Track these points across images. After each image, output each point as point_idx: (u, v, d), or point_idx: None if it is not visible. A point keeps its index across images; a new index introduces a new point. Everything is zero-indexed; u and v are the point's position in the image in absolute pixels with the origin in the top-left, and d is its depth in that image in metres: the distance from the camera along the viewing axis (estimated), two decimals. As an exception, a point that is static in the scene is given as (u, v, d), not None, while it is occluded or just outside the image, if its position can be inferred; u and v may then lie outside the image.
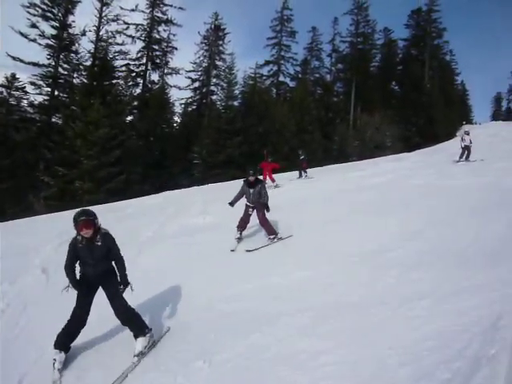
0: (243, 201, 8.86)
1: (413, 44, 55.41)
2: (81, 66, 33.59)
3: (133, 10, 37.92)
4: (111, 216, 13.77)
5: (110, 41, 35.64)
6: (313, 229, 8.89)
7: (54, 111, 31.63)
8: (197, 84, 44.24)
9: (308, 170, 20.53)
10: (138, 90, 40.08)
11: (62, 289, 4.63)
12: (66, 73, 33.63)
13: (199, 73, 44.27)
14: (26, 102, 31.75)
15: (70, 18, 33.46)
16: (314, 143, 37.62)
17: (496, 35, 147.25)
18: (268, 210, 8.68)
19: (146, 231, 10.75)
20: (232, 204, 8.84)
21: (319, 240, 7.91)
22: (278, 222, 9.38)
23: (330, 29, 56.00)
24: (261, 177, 16.84)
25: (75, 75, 33.85)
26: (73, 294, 4.57)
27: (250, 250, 8.04)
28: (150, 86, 40.93)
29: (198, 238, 9.42)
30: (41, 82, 32.03)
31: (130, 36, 38.69)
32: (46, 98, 32.23)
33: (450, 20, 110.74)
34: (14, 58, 30.57)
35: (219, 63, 44.02)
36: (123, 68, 38.31)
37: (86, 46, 34.48)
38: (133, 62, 39.91)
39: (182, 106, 43.72)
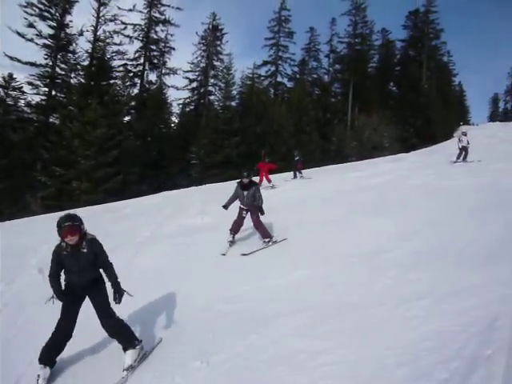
0: (237, 203, 8.75)
1: (410, 45, 55.47)
2: (78, 66, 33.53)
3: (130, 10, 37.95)
4: (109, 216, 13.80)
5: (107, 41, 35.65)
6: (311, 229, 8.89)
7: (52, 111, 31.59)
8: (194, 84, 44.23)
9: (306, 171, 20.56)
10: (136, 90, 40.10)
11: (45, 300, 4.38)
12: (63, 73, 33.58)
13: (197, 73, 44.25)
14: (23, 101, 31.78)
15: (68, 18, 33.45)
16: (311, 144, 37.66)
17: (493, 36, 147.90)
18: (262, 212, 8.57)
19: (143, 231, 10.74)
20: (226, 207, 8.73)
21: (317, 240, 7.91)
22: (276, 223, 9.37)
23: (328, 29, 55.98)
24: (257, 177, 16.88)
25: (73, 75, 33.83)
26: None
27: (245, 254, 7.92)
28: (147, 86, 40.92)
29: (196, 239, 9.41)
30: (38, 82, 31.99)
31: (127, 36, 38.75)
32: (43, 97, 32.18)
33: (447, 21, 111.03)
34: (11, 58, 30.54)
35: (217, 63, 44.08)
36: (121, 68, 38.30)
37: (83, 45, 34.44)
38: (130, 62, 39.94)
39: (180, 106, 43.69)
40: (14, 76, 31.10)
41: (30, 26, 31.32)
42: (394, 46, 57.21)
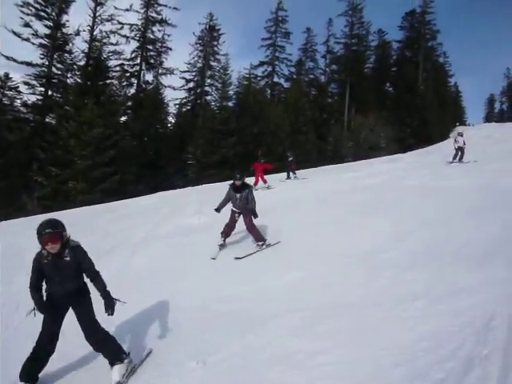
0: (230, 206, 8.59)
1: (407, 46, 55.55)
2: (74, 66, 33.44)
3: (127, 10, 37.83)
4: (106, 216, 13.78)
5: (104, 41, 35.46)
6: (307, 230, 8.88)
7: (48, 111, 31.44)
8: (191, 84, 44.15)
9: (302, 171, 20.57)
10: (132, 90, 39.99)
11: (26, 313, 4.16)
12: (59, 72, 33.45)
13: (194, 73, 44.17)
14: (19, 101, 31.63)
15: (64, 18, 33.36)
16: (308, 144, 37.70)
17: (489, 37, 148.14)
18: (256, 216, 8.36)
19: (140, 231, 10.74)
20: (218, 210, 8.54)
21: (313, 241, 7.92)
22: (271, 224, 9.37)
23: (325, 30, 55.94)
24: (252, 178, 16.89)
25: (69, 75, 33.72)
26: None
27: (238, 258, 7.76)
28: (144, 86, 40.81)
29: (193, 239, 9.42)
30: (34, 82, 31.86)
31: (124, 36, 38.60)
32: (39, 97, 32.05)
33: (443, 22, 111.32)
34: (7, 58, 30.39)
35: (214, 64, 43.98)
36: (117, 68, 38.22)
37: (79, 45, 34.41)
38: (127, 62, 39.81)
39: (177, 106, 43.63)
40: (10, 76, 31.05)
41: (26, 25, 31.21)
42: (391, 46, 57.24)
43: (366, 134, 40.24)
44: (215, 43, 44.54)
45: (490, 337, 3.33)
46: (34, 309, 4.04)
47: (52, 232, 3.81)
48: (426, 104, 45.65)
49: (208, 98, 43.04)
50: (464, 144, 18.94)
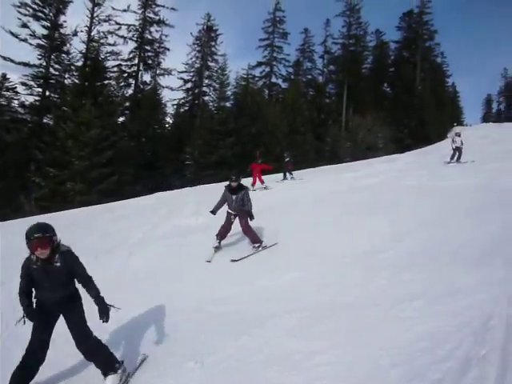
0: (225, 207, 8.48)
1: (404, 46, 55.64)
2: (72, 67, 33.35)
3: (125, 11, 37.74)
4: (104, 217, 13.76)
5: (101, 41, 35.48)
6: (305, 230, 8.88)
7: (45, 112, 31.38)
8: (189, 85, 44.12)
9: (300, 172, 20.55)
10: (130, 91, 39.93)
11: (15, 322, 4.00)
12: (57, 73, 33.39)
13: (191, 74, 44.14)
14: (16, 102, 31.63)
15: (62, 18, 33.30)
16: (306, 144, 37.72)
17: (487, 37, 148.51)
18: (252, 217, 8.25)
19: (138, 232, 10.72)
20: (213, 212, 8.41)
21: (311, 241, 7.92)
22: (269, 224, 9.37)
23: (322, 30, 55.97)
24: (250, 179, 16.89)
25: (66, 76, 33.65)
26: None
27: (235, 260, 7.65)
28: (141, 86, 40.77)
29: (190, 239, 9.41)
30: (32, 83, 31.79)
31: (121, 36, 38.54)
32: (37, 98, 32.00)
33: (441, 23, 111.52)
34: (4, 58, 30.31)
35: (211, 64, 43.94)
36: (115, 69, 38.13)
37: (77, 46, 34.28)
38: (125, 63, 39.76)
39: (174, 106, 43.53)
40: (8, 76, 31.12)
41: (24, 26, 31.13)
42: (388, 47, 57.35)
43: (364, 134, 40.29)
44: (213, 44, 44.53)
45: (488, 337, 3.34)
46: (24, 316, 3.91)
47: (41, 237, 3.62)
48: (424, 104, 45.72)
49: (206, 98, 43.06)
50: (462, 144, 18.98)
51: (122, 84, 38.31)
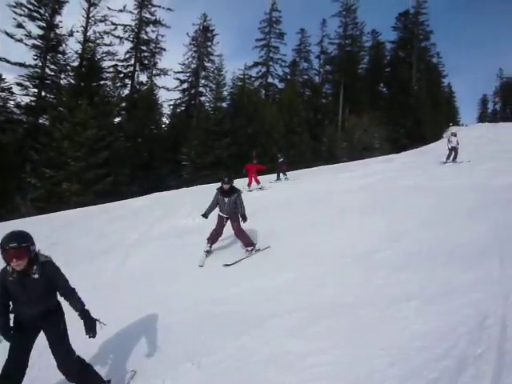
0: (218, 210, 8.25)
1: (400, 46, 55.79)
2: (68, 67, 33.25)
3: (121, 11, 37.69)
4: (101, 218, 13.74)
5: (97, 41, 35.30)
6: (302, 230, 8.86)
7: (41, 112, 31.29)
8: (185, 85, 44.12)
9: (296, 172, 20.53)
10: (126, 91, 39.88)
11: None
12: (52, 73, 33.30)
13: (188, 74, 44.15)
14: (12, 102, 31.47)
15: (57, 19, 33.24)
16: (302, 144, 37.78)
17: (483, 37, 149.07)
18: (245, 219, 8.02)
19: (134, 233, 10.72)
20: (205, 215, 8.16)
21: (308, 241, 7.90)
22: (266, 225, 9.35)
23: (319, 31, 56.11)
24: (244, 179, 16.89)
25: (62, 76, 33.55)
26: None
27: (228, 265, 7.44)
28: (138, 87, 40.70)
29: (187, 240, 9.40)
30: (27, 83, 31.72)
31: (117, 37, 38.52)
32: (32, 98, 31.93)
33: (437, 22, 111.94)
34: (-1, 59, 30.24)
35: (208, 64, 43.98)
36: (111, 69, 38.15)
37: (73, 46, 34.27)
38: (121, 63, 39.74)
39: (171, 107, 43.55)
40: (3, 77, 30.91)
41: (19, 26, 31.08)
42: (384, 47, 57.55)
43: (360, 134, 40.36)
44: (209, 44, 44.54)
45: (484, 336, 3.35)
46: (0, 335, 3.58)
47: (17, 247, 3.30)
48: (420, 104, 45.88)
49: (202, 98, 43.11)
50: (457, 144, 19.03)
51: (118, 84, 38.28)
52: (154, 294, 6.23)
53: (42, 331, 3.70)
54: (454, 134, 19.50)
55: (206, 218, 8.20)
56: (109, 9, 36.31)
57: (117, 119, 35.63)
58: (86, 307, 3.65)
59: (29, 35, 31.54)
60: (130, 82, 40.15)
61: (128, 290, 6.66)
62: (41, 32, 32.20)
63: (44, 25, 32.24)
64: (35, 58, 32.19)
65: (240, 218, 8.05)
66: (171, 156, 34.33)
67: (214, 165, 32.20)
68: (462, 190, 10.87)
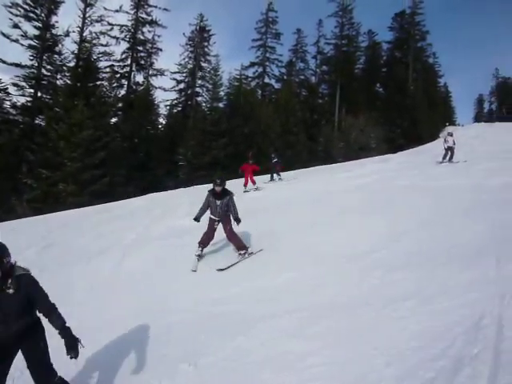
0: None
1: (396, 46, 55.91)
2: (64, 67, 33.22)
3: (117, 11, 37.74)
4: (97, 218, 13.72)
5: (93, 42, 35.39)
6: (299, 230, 8.84)
7: (37, 113, 31.22)
8: (182, 85, 44.11)
9: (293, 172, 20.50)
10: (123, 92, 39.89)
11: None
12: (49, 74, 33.27)
13: (184, 74, 44.11)
14: (8, 103, 31.30)
15: (53, 19, 33.20)
16: (299, 145, 37.85)
17: (479, 37, 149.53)
18: (239, 222, 7.78)
19: (132, 233, 10.71)
20: (197, 219, 7.90)
21: (306, 242, 7.89)
22: (265, 224, 9.36)
23: (315, 31, 56.23)
24: (240, 179, 16.88)
25: (58, 76, 33.50)
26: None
27: (221, 269, 7.23)
28: (134, 87, 40.71)
29: (186, 240, 9.35)
30: (23, 83, 31.63)
31: (114, 37, 38.56)
32: (28, 99, 31.85)
33: (433, 22, 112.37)
34: (-5, 59, 30.12)
35: (204, 65, 43.98)
36: (107, 69, 38.08)
37: (69, 46, 34.20)
38: (117, 63, 39.76)
39: (167, 107, 43.50)
40: (-1, 77, 30.78)
41: (15, 26, 31.05)
42: (381, 47, 57.71)
43: (357, 134, 40.45)
44: (206, 44, 44.55)
45: (480, 336, 3.35)
46: None
47: None
48: (416, 104, 46.01)
49: (199, 99, 43.09)
50: (454, 144, 19.04)
51: (115, 85, 38.20)
52: (152, 295, 6.23)
53: (19, 351, 3.38)
54: (451, 134, 19.51)
55: (198, 221, 7.96)
56: (105, 9, 36.45)
57: (113, 120, 35.68)
58: (67, 324, 3.37)
59: (25, 35, 31.52)
60: (126, 83, 40.20)
61: (125, 290, 6.65)
62: (37, 32, 32.19)
63: (40, 25, 32.19)
64: (31, 58, 32.19)
65: (232, 221, 7.86)
66: (168, 156, 34.34)
67: (210, 165, 32.21)
68: (459, 189, 10.88)
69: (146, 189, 25.95)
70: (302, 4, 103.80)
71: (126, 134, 33.90)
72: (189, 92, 43.69)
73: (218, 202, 7.72)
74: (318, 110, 48.99)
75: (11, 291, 3.12)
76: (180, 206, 13.87)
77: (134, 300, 5.97)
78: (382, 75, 55.32)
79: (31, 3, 31.51)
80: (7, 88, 31.05)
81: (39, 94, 32.48)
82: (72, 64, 33.13)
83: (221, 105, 39.30)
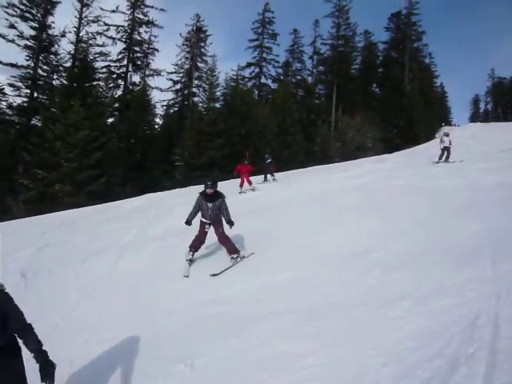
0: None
1: (393, 47, 56.09)
2: (60, 68, 33.24)
3: (113, 12, 37.73)
4: (94, 218, 13.70)
5: (90, 42, 35.36)
6: (299, 230, 8.83)
7: (34, 113, 31.17)
8: (178, 86, 44.10)
9: (290, 172, 20.49)
10: (119, 92, 39.87)
11: None
12: (45, 74, 33.23)
13: (181, 74, 44.13)
14: (4, 103, 31.23)
15: (50, 19, 33.20)
16: (295, 145, 37.85)
17: (476, 37, 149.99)
18: (232, 225, 7.54)
19: (128, 233, 10.68)
20: (188, 222, 7.61)
21: (303, 242, 7.88)
22: (262, 225, 9.35)
23: (311, 31, 56.29)
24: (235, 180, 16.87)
25: (55, 77, 33.51)
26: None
27: (215, 274, 6.99)
28: (131, 87, 40.69)
29: (182, 240, 9.33)
30: (20, 84, 31.59)
31: (110, 37, 38.56)
32: (25, 99, 31.80)
33: (429, 23, 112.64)
34: (-9, 60, 30.02)
35: (201, 65, 44.07)
36: (104, 69, 38.12)
37: (65, 47, 34.16)
38: (113, 64, 39.75)
39: (164, 107, 43.53)
40: (-5, 78, 30.72)
41: (12, 26, 30.98)
42: (377, 47, 57.86)
43: (353, 134, 40.55)
44: (202, 44, 44.58)
45: (476, 335, 3.36)
46: None
47: None
48: (412, 104, 46.15)
49: (195, 99, 43.17)
50: (450, 144, 19.10)
51: (111, 85, 38.17)
52: (148, 295, 6.21)
53: None
54: (447, 134, 19.57)
55: (190, 224, 7.67)
56: (101, 9, 36.42)
57: (110, 120, 35.63)
58: (44, 348, 3.08)
59: (21, 36, 31.46)
60: (122, 83, 40.16)
61: (121, 291, 6.63)
62: (33, 32, 32.17)
63: (36, 25, 32.15)
64: (27, 58, 32.14)
65: (224, 224, 7.66)
66: (164, 157, 34.34)
67: (207, 165, 32.21)
68: (455, 189, 10.90)
69: (142, 189, 25.97)
70: (298, 4, 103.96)
71: (123, 135, 33.89)
72: (185, 92, 43.68)
73: (210, 205, 7.49)
74: (315, 110, 48.99)
75: None
76: (178, 206, 13.85)
77: (131, 300, 5.96)
78: (378, 75, 55.50)
79: (27, 3, 31.46)
80: (3, 88, 31.03)
81: (35, 95, 32.43)
82: (68, 64, 33.18)
83: (217, 105, 39.26)
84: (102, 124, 30.62)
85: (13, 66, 31.11)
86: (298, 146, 38.22)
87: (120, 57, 40.25)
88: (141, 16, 41.23)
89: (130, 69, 40.70)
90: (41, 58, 32.70)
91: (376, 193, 11.92)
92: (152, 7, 41.31)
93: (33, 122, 31.56)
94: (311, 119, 46.95)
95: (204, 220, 7.63)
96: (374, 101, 51.14)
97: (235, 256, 7.49)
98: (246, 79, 51.66)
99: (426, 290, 4.70)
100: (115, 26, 38.86)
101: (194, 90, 43.32)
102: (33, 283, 7.14)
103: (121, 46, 40.24)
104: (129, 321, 5.32)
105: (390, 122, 45.32)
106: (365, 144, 40.00)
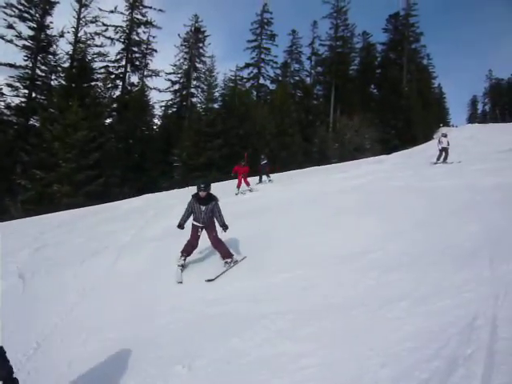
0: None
1: (391, 48, 56.22)
2: (59, 68, 33.24)
3: (112, 12, 37.79)
4: (93, 219, 13.69)
5: (88, 42, 35.42)
6: (297, 231, 8.83)
7: (32, 113, 31.17)
8: (177, 86, 44.15)
9: (288, 173, 20.49)
10: (118, 92, 39.96)
11: None
12: (43, 74, 33.25)
13: (179, 75, 44.18)
14: (2, 104, 31.25)
15: (48, 19, 33.23)
16: (294, 146, 37.86)
17: (473, 38, 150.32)
18: (226, 229, 7.37)
19: (127, 234, 10.68)
20: (181, 226, 7.42)
21: (301, 242, 7.88)
22: (261, 225, 9.34)
23: (310, 32, 56.44)
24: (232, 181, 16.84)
25: (53, 77, 33.53)
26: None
27: (210, 280, 6.78)
28: (129, 88, 40.72)
29: (181, 240, 9.32)
30: (18, 84, 31.59)
31: (108, 38, 38.62)
32: (23, 100, 31.80)
33: (428, 24, 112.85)
34: (-11, 60, 29.98)
35: (199, 65, 44.10)
36: (102, 70, 38.14)
37: (64, 47, 34.38)
38: (112, 64, 39.83)
39: (162, 108, 43.61)
40: (-7, 78, 30.68)
41: (10, 27, 30.98)
42: (375, 48, 58.08)
43: (351, 135, 40.59)
44: (200, 45, 44.66)
45: (474, 336, 3.37)
46: None
47: None
48: (410, 105, 46.25)
49: (194, 99, 43.19)
50: (448, 145, 19.12)
51: (109, 85, 38.22)
52: (146, 296, 6.21)
53: None
54: (445, 135, 19.59)
55: (182, 228, 7.47)
56: (100, 10, 36.48)
57: (108, 120, 35.67)
58: (15, 375, 2.77)
59: (19, 36, 31.48)
60: (121, 83, 40.24)
61: (119, 291, 6.62)
62: (31, 33, 32.21)
63: (35, 25, 32.17)
64: (26, 58, 32.18)
65: (218, 228, 7.49)
66: (162, 157, 34.34)
67: (205, 166, 32.22)
68: (453, 190, 10.90)
69: (140, 190, 25.96)
70: (296, 5, 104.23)
71: (121, 135, 33.88)
72: (184, 93, 43.70)
73: (203, 208, 7.27)
74: (313, 111, 49.07)
75: None
76: (176, 206, 13.83)
77: (129, 301, 5.95)
78: (376, 76, 55.65)
79: (26, 4, 31.47)
80: (1, 89, 31.10)
81: (33, 95, 32.44)
82: (66, 65, 33.21)
83: (216, 106, 39.27)
84: (100, 124, 30.61)
85: (11, 66, 31.11)
86: (296, 146, 38.25)
87: (118, 57, 40.36)
88: (139, 16, 41.37)
89: (128, 69, 40.77)
90: (39, 58, 32.71)
91: (374, 194, 11.92)
92: (150, 8, 41.48)
93: (31, 122, 31.56)
94: (309, 120, 47.01)
95: (196, 223, 7.43)
96: (372, 102, 51.25)
97: (229, 261, 7.28)
98: (245, 80, 51.78)
99: (424, 291, 4.71)
100: (113, 26, 38.98)
101: (193, 90, 43.41)
102: (31, 284, 7.12)
103: (119, 46, 40.41)
104: (128, 321, 5.31)
105: (388, 122, 45.41)
106: (363, 145, 40.07)
